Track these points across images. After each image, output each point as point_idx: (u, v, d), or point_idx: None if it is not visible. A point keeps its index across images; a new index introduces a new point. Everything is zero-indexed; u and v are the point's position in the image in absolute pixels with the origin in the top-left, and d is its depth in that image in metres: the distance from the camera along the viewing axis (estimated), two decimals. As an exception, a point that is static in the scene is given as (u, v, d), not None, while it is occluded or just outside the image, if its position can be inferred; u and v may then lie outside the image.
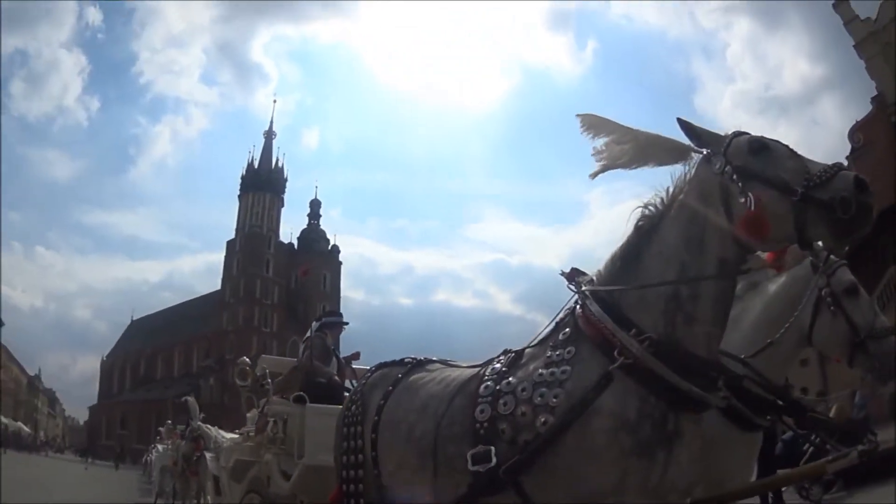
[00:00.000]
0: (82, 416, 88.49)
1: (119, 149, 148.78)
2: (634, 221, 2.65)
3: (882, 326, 3.47)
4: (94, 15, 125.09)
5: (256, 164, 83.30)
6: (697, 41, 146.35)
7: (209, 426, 11.57)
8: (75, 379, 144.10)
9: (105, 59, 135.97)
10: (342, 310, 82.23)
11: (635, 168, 2.63)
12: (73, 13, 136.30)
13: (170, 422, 19.75)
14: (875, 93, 29.46)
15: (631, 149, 2.63)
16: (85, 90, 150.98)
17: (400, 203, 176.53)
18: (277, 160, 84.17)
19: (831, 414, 11.85)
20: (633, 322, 2.48)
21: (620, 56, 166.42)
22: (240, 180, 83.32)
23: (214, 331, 73.86)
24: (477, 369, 2.87)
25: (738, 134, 2.51)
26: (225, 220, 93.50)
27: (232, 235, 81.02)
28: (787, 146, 2.43)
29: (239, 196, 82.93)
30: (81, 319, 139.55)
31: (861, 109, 30.70)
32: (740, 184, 2.38)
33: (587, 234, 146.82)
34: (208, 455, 10.07)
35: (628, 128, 2.66)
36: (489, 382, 2.66)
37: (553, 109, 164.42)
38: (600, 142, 2.69)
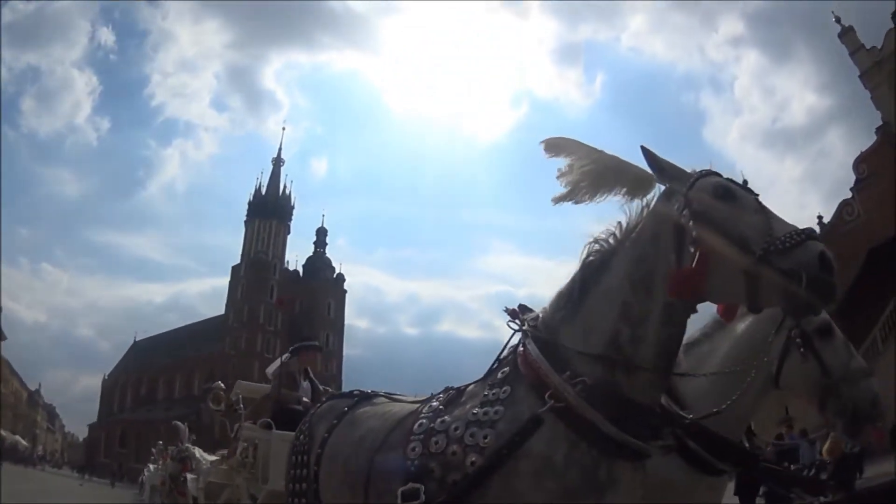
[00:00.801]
0: (82, 433, 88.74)
1: (128, 170, 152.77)
2: (584, 257, 2.52)
3: (858, 368, 3.33)
4: (106, 36, 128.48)
5: (264, 191, 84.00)
6: (706, 74, 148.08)
7: (195, 448, 11.72)
8: (76, 396, 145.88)
9: (117, 80, 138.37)
10: (346, 338, 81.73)
11: (600, 199, 2.49)
12: (86, 33, 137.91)
13: (161, 443, 19.90)
14: (880, 122, 29.48)
15: (594, 172, 2.48)
16: (95, 110, 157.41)
17: (407, 233, 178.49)
18: (285, 187, 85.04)
19: (824, 449, 12.13)
20: (569, 364, 2.36)
21: (629, 89, 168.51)
22: (247, 206, 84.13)
23: (217, 354, 73.82)
24: (417, 405, 2.81)
25: (705, 174, 2.37)
26: (232, 244, 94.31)
27: (238, 260, 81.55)
28: (755, 199, 2.27)
29: (245, 222, 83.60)
30: (85, 337, 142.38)
31: (868, 141, 30.67)
32: (694, 232, 2.23)
33: None
34: (190, 476, 10.22)
35: (593, 149, 2.52)
36: (424, 420, 2.59)
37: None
38: (564, 163, 2.55)
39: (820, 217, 31.83)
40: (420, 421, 2.59)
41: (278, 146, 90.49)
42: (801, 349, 3.35)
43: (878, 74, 28.31)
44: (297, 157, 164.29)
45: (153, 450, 21.06)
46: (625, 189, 2.46)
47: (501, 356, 2.61)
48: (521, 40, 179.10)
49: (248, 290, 76.74)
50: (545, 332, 2.48)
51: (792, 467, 11.48)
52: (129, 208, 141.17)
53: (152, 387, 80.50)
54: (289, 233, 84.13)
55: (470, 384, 2.65)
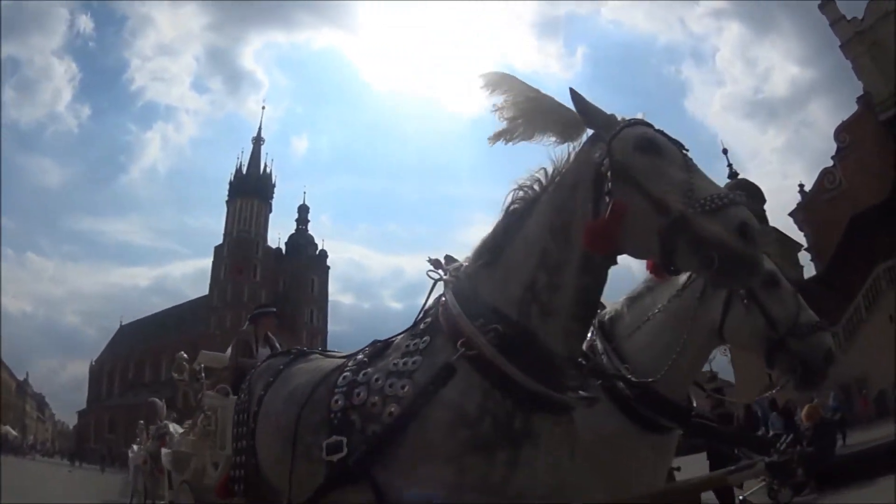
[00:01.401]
0: (72, 421, 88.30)
1: (110, 156, 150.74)
2: (506, 203, 2.45)
3: (807, 321, 3.16)
4: (85, 23, 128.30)
5: (245, 171, 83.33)
6: (687, 46, 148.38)
7: (172, 423, 11.60)
8: (65, 383, 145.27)
9: (96, 66, 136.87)
10: (331, 314, 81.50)
11: (536, 139, 2.40)
12: (65, 21, 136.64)
13: (142, 422, 19.79)
14: (861, 93, 29.67)
15: (529, 111, 2.40)
16: (76, 98, 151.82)
17: (390, 208, 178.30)
18: (265, 166, 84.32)
19: (802, 413, 12.18)
20: (485, 312, 2.31)
21: (610, 61, 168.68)
22: (228, 186, 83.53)
23: (202, 335, 73.21)
24: (344, 359, 2.78)
25: (632, 123, 2.27)
26: (214, 225, 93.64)
27: (220, 241, 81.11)
28: (684, 155, 2.17)
29: (227, 202, 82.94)
30: (71, 325, 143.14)
31: (850, 111, 30.90)
32: (610, 183, 2.15)
33: None
34: (164, 451, 10.09)
35: (530, 87, 2.42)
36: (348, 373, 2.56)
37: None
38: (500, 99, 2.44)
39: (801, 185, 32.45)
40: (344, 374, 2.57)
41: (258, 125, 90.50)
42: (745, 300, 3.20)
43: (858, 45, 28.47)
44: (279, 137, 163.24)
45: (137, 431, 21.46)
46: (556, 132, 2.38)
47: (426, 306, 2.57)
48: (501, 14, 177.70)
49: (232, 269, 76.16)
50: (465, 281, 2.44)
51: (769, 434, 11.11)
52: (111, 194, 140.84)
53: (139, 371, 79.92)
54: (270, 211, 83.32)
55: (397, 336, 2.60)
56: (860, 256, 25.71)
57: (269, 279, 77.73)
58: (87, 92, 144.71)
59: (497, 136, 2.45)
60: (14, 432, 60.28)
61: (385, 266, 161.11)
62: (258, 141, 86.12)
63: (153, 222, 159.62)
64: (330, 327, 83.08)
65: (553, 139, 2.37)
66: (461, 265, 2.54)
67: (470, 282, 2.42)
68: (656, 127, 2.24)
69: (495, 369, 2.21)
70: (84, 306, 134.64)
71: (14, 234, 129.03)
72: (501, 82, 2.44)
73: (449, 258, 2.69)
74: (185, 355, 7.48)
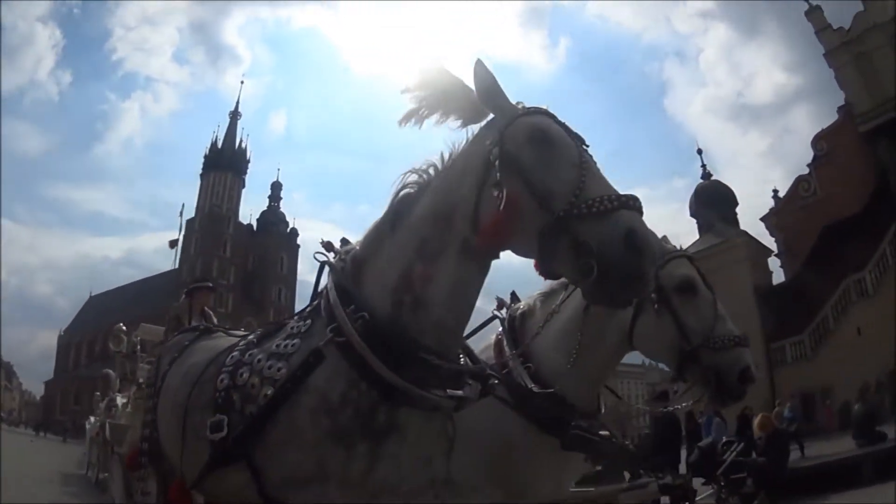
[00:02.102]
0: (39, 391, 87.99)
1: (88, 124, 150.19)
2: (398, 188, 2.36)
3: (724, 334, 2.94)
4: None
5: (220, 145, 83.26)
6: (672, 45, 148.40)
7: (119, 395, 11.37)
8: (34, 353, 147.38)
9: (79, 33, 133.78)
10: (299, 293, 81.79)
11: (442, 120, 2.29)
12: None
13: (98, 394, 19.47)
14: (843, 102, 29.70)
15: (435, 92, 2.28)
16: (58, 64, 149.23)
17: (365, 189, 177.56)
18: (241, 141, 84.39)
19: (755, 424, 11.79)
20: (358, 299, 2.24)
21: (593, 55, 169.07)
22: (203, 159, 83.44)
23: (170, 309, 73.07)
24: (239, 339, 2.77)
25: (531, 111, 2.17)
26: (189, 199, 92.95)
27: (193, 214, 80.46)
28: (581, 151, 2.05)
29: (201, 175, 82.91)
30: (42, 294, 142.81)
31: (831, 121, 30.87)
32: (498, 174, 2.05)
33: None
34: (108, 423, 10.10)
35: (441, 68, 2.30)
36: (237, 352, 2.52)
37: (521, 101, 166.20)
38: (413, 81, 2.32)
39: (776, 191, 32.53)
40: (233, 354, 2.52)
41: (236, 99, 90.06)
42: (656, 306, 3.02)
43: (844, 54, 28.33)
44: (258, 113, 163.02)
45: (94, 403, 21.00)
46: (459, 114, 2.28)
47: (319, 290, 2.49)
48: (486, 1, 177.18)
49: (202, 245, 76.04)
50: (350, 266, 2.36)
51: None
52: (87, 163, 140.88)
53: (107, 343, 78.03)
54: (244, 187, 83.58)
55: (290, 317, 2.57)
56: (831, 266, 25.86)
57: (239, 255, 77.64)
58: (69, 59, 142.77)
59: (406, 118, 2.31)
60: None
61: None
62: (235, 115, 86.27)
63: (127, 193, 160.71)
64: (297, 306, 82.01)
65: (457, 121, 2.29)
66: (351, 249, 2.44)
67: (355, 267, 2.35)
68: (558, 119, 2.15)
69: (361, 359, 2.14)
70: (56, 276, 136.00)
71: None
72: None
73: (345, 241, 2.57)
74: (123, 327, 7.33)
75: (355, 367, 2.14)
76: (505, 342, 3.24)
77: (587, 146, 2.10)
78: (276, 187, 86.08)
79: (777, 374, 26.94)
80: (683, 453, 12.34)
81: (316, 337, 2.26)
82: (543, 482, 3.07)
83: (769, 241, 32.36)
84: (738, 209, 34.34)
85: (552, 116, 2.15)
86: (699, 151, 37.03)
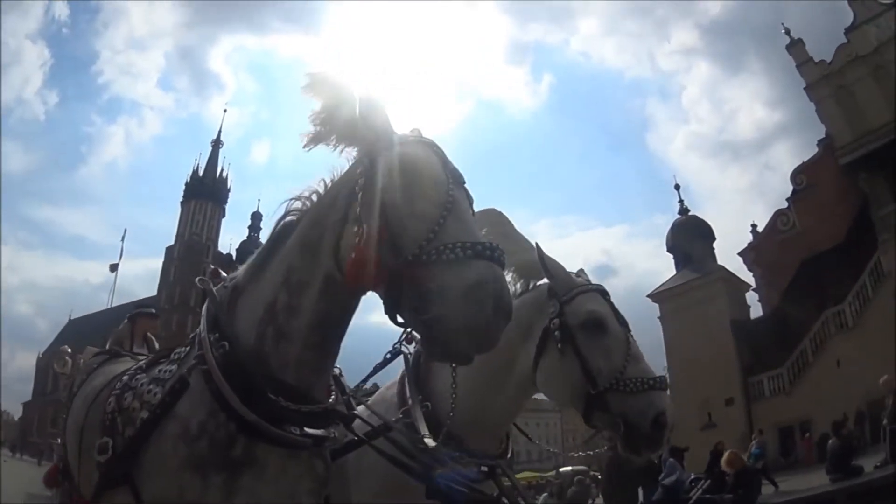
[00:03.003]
0: (17, 412, 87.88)
1: (72, 146, 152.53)
2: (280, 215, 2.32)
3: (636, 376, 2.67)
4: (61, 9, 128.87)
5: (201, 173, 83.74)
6: (655, 82, 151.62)
7: None
8: (12, 374, 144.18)
9: (67, 54, 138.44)
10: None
11: (338, 148, 2.19)
12: (42, 5, 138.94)
13: (65, 416, 18.80)
14: (823, 136, 29.71)
15: (331, 117, 2.15)
16: (45, 84, 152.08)
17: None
18: (222, 170, 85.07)
19: (723, 460, 11.94)
20: (223, 326, 2.20)
21: (576, 92, 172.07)
22: (184, 187, 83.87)
23: (112, 333, 73.16)
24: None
25: (409, 142, 2.07)
26: (169, 226, 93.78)
27: (172, 241, 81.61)
28: (449, 189, 1.93)
29: (181, 202, 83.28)
30: (22, 315, 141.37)
31: (813, 154, 30.89)
32: (360, 208, 1.97)
33: None
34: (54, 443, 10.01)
35: (349, 93, 2.12)
36: (126, 377, 2.53)
37: (505, 140, 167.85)
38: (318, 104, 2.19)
39: (754, 225, 32.49)
40: (123, 378, 2.53)
41: (219, 128, 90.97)
42: (559, 345, 2.76)
43: (824, 87, 28.31)
44: (241, 141, 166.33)
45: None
46: (349, 142, 2.17)
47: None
48: (469, 35, 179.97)
49: (181, 272, 75.77)
50: (229, 293, 2.31)
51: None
52: (70, 184, 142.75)
53: (86, 367, 78.69)
54: (224, 216, 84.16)
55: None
56: (809, 299, 26.00)
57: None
58: (57, 79, 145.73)
59: (310, 141, 2.19)
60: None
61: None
62: (217, 144, 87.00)
63: (109, 217, 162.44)
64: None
65: (348, 149, 2.18)
66: (237, 275, 2.38)
67: (233, 295, 2.31)
68: (441, 151, 2.06)
69: (220, 389, 2.09)
70: (36, 296, 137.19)
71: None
72: (323, 84, 2.18)
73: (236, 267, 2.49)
74: (68, 349, 6.77)
75: (216, 397, 2.09)
76: (406, 381, 2.98)
77: (463, 183, 2.02)
78: (257, 217, 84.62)
79: (755, 408, 27.08)
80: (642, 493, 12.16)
81: (185, 364, 2.23)
82: None
83: (748, 276, 32.39)
84: (717, 245, 34.38)
85: (433, 147, 2.06)
86: (677, 187, 37.03)
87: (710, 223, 35.04)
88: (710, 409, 28.29)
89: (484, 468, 2.76)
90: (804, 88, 29.28)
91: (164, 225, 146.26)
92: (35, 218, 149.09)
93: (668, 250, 35.10)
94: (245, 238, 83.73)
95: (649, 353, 3.01)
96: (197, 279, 2.48)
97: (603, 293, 2.92)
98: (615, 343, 2.73)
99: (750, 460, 15.46)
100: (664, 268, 32.78)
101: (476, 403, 2.83)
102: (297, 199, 2.28)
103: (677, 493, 11.36)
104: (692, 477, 12.19)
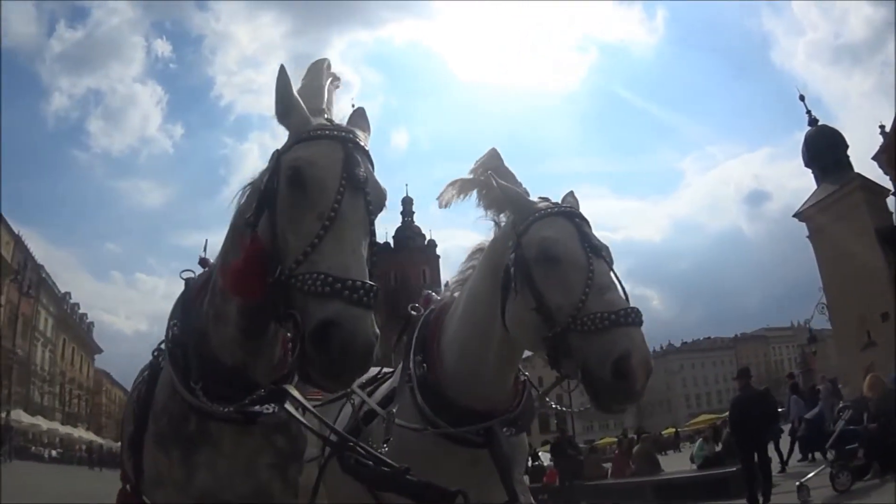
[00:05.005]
0: None
1: (209, 171, 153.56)
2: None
3: (599, 310, 2.16)
4: (162, 47, 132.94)
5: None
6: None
7: None
8: None
9: (181, 87, 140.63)
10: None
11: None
12: (142, 48, 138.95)
13: None
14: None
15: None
16: (166, 119, 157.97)
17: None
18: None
19: (864, 385, 10.76)
20: (181, 310, 2.36)
21: (691, 21, 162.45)
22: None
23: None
24: None
25: (309, 138, 1.94)
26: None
27: None
28: (336, 195, 1.80)
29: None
30: None
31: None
32: (253, 211, 1.98)
33: (685, 202, 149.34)
34: None
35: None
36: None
37: (634, 81, 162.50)
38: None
39: (882, 126, 30.95)
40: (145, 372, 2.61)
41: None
42: (515, 283, 2.38)
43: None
44: (378, 133, 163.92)
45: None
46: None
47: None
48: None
49: None
50: (202, 278, 2.41)
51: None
52: (215, 208, 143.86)
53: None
54: None
55: None
56: None
57: (379, 275, 78.16)
58: (177, 112, 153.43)
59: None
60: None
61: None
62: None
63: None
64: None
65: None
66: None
67: (198, 282, 2.43)
68: (350, 149, 1.91)
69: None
70: None
71: (121, 257, 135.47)
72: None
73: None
74: None
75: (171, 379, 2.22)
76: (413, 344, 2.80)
77: (362, 178, 1.86)
78: (407, 202, 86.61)
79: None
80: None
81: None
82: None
83: (886, 182, 30.68)
84: (854, 153, 32.87)
85: (347, 142, 1.92)
86: (802, 98, 35.75)
87: (841, 132, 33.69)
88: (869, 327, 27.32)
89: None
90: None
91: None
92: (184, 245, 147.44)
93: (806, 165, 34.22)
94: (400, 224, 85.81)
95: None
96: (180, 273, 2.51)
97: (570, 215, 2.44)
98: (573, 272, 2.26)
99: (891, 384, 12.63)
100: (813, 184, 31.49)
101: (466, 359, 2.60)
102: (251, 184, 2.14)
103: (820, 426, 10.63)
104: (841, 405, 11.00)
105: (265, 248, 1.84)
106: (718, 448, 14.50)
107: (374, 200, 1.88)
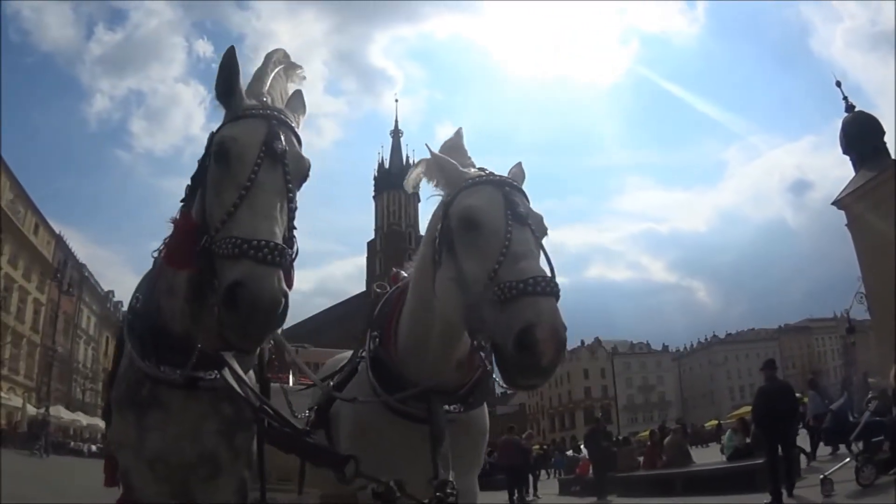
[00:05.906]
0: None
1: None
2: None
3: (508, 280, 1.97)
4: (203, 47, 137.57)
5: (387, 164, 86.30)
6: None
7: None
8: None
9: None
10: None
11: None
12: (183, 49, 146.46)
13: None
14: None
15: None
16: (209, 118, 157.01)
17: (543, 184, 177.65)
18: (407, 157, 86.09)
19: (891, 375, 10.70)
20: (144, 285, 2.52)
21: (731, 10, 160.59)
22: (373, 181, 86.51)
23: (362, 331, 76.30)
24: None
25: (241, 116, 2.08)
26: (367, 221, 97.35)
27: (372, 235, 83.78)
28: (253, 170, 1.91)
29: (374, 197, 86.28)
30: None
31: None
32: (188, 186, 2.21)
33: (729, 192, 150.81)
34: None
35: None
36: None
37: (675, 72, 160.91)
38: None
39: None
40: None
41: (394, 118, 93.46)
42: (438, 255, 2.28)
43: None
44: (424, 126, 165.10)
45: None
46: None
47: None
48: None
49: (386, 262, 76.93)
50: (160, 257, 2.50)
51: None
52: None
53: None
54: (419, 200, 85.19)
55: None
56: None
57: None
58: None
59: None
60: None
61: (546, 241, 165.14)
62: (396, 133, 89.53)
63: (308, 225, 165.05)
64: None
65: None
66: None
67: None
68: (276, 126, 2.04)
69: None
70: None
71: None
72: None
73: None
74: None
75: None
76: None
77: (279, 151, 1.96)
78: None
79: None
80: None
81: None
82: (399, 461, 2.49)
83: None
84: (891, 140, 32.04)
85: (272, 118, 2.05)
86: (838, 84, 34.99)
87: (880, 119, 33.10)
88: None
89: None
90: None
91: (363, 221, 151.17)
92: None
93: (844, 152, 33.75)
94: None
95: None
96: (152, 252, 2.52)
97: (499, 184, 2.28)
98: (490, 239, 2.10)
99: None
100: (853, 172, 31.02)
101: (412, 334, 2.56)
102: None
103: (846, 418, 10.44)
104: (869, 396, 10.98)
105: (195, 223, 1.98)
106: (748, 440, 14.27)
107: (293, 170, 1.98)
